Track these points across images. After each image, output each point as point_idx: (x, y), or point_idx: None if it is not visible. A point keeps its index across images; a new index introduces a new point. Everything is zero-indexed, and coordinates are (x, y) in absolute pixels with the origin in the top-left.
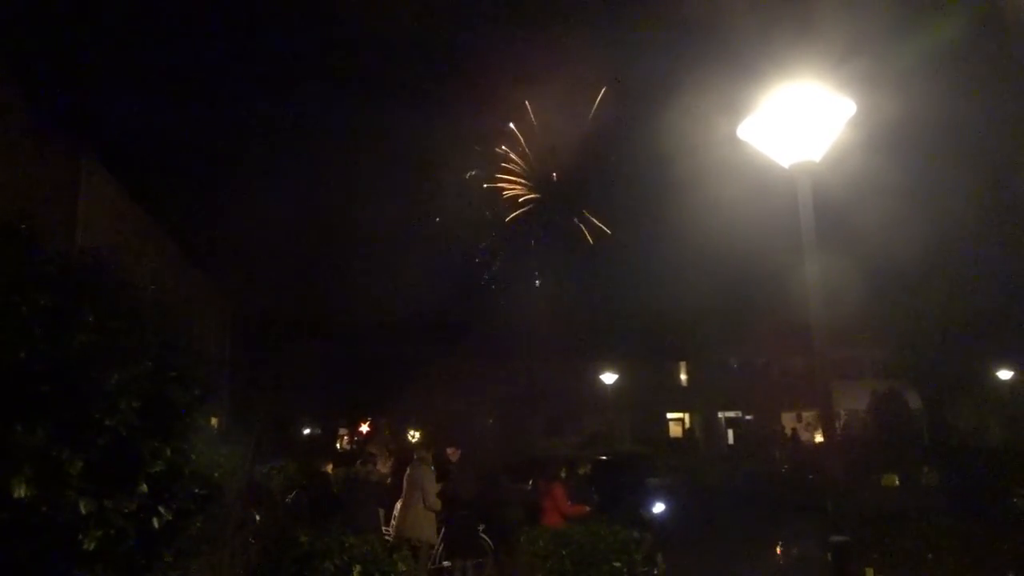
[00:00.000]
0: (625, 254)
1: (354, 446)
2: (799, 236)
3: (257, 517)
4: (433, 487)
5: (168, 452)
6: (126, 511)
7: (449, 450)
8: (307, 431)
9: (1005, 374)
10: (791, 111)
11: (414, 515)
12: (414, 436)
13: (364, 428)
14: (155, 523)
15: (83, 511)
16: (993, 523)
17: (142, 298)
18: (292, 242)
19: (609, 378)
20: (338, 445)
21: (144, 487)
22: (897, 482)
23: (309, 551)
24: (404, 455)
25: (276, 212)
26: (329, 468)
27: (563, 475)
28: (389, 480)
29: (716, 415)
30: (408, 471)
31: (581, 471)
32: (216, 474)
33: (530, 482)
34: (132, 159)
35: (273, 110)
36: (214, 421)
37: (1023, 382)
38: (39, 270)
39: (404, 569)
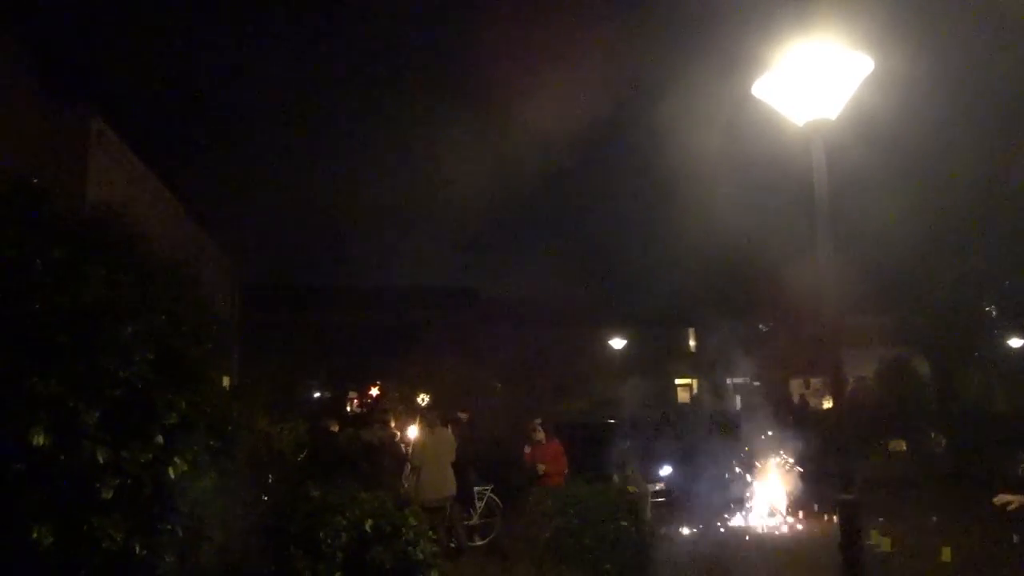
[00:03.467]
0: (634, 219)
1: (363, 409)
2: (810, 199)
3: (269, 476)
4: (450, 449)
5: (183, 404)
6: (142, 461)
7: (461, 414)
8: (316, 394)
9: (1015, 342)
10: (807, 68)
11: (432, 476)
12: (423, 400)
13: (373, 391)
14: (171, 473)
15: (100, 460)
16: (997, 488)
17: (152, 254)
18: (301, 205)
19: (618, 344)
20: (348, 408)
21: (160, 438)
22: (904, 447)
23: (321, 505)
24: (426, 418)
25: (285, 175)
26: (335, 428)
27: (541, 438)
28: (401, 442)
29: (724, 381)
30: (424, 433)
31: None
32: (229, 428)
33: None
34: (142, 120)
35: (285, 72)
36: (225, 380)
37: None
38: (51, 224)
39: (415, 523)
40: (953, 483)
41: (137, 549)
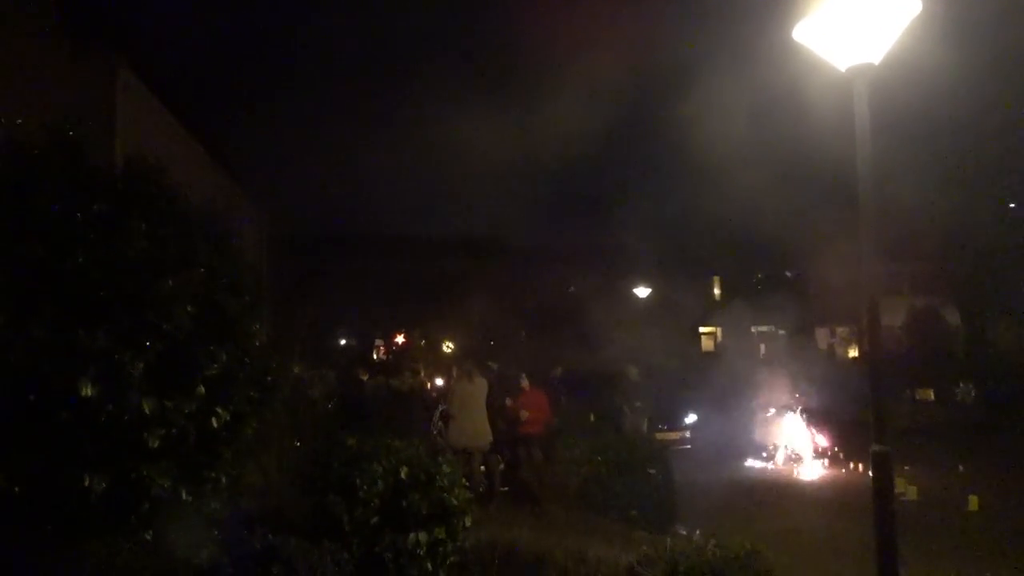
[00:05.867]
0: (663, 168)
1: (390, 356)
2: (842, 144)
3: (305, 425)
4: (484, 397)
5: (224, 357)
6: (186, 412)
7: (491, 364)
8: (343, 342)
9: None
10: (851, 11)
11: (467, 423)
12: (449, 347)
13: (400, 339)
14: (214, 423)
15: (147, 411)
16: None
17: (190, 207)
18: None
19: (642, 292)
20: (374, 355)
21: (202, 389)
22: (932, 397)
23: (357, 453)
24: (462, 367)
25: (313, 125)
26: (364, 376)
27: (527, 385)
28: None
29: (748, 329)
30: (461, 382)
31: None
32: (268, 378)
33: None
34: (168, 71)
35: (313, 20)
36: (259, 328)
37: None
38: (91, 178)
39: (449, 471)
40: (981, 433)
41: (184, 495)
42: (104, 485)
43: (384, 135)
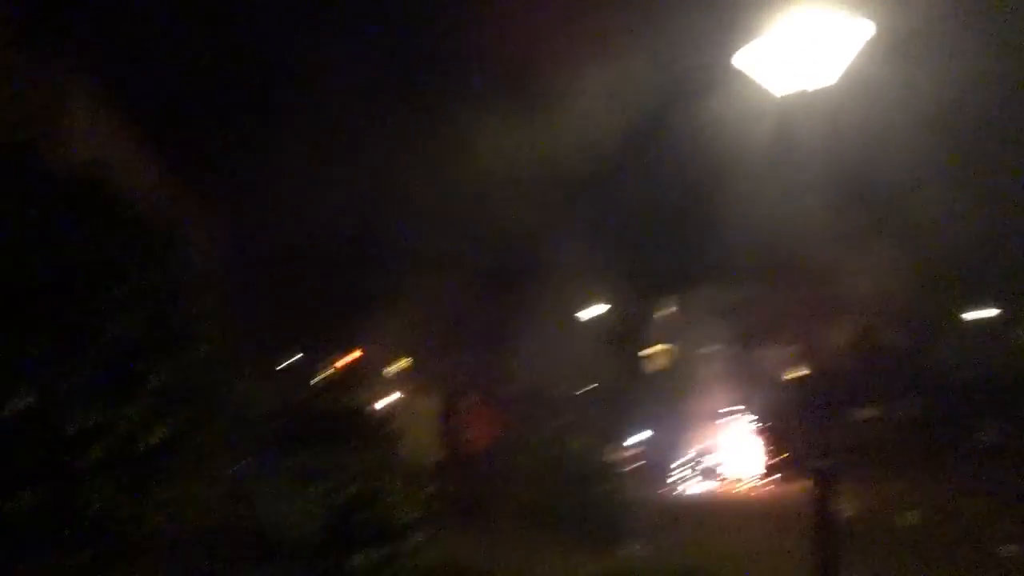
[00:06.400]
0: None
1: (344, 373)
2: (791, 171)
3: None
4: (436, 415)
5: (170, 368)
6: (128, 424)
7: (445, 383)
8: (298, 357)
9: (983, 313)
10: (796, 38)
11: (420, 440)
12: (405, 365)
13: (354, 356)
14: (158, 435)
15: (89, 423)
16: (964, 453)
17: (142, 214)
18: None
19: (595, 311)
20: (329, 372)
21: (147, 401)
22: (875, 414)
23: (305, 470)
24: (416, 385)
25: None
26: (319, 392)
27: (477, 403)
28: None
29: (699, 348)
30: (413, 399)
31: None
32: (215, 391)
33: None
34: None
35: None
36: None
37: (999, 321)
38: (42, 183)
39: (399, 489)
40: (921, 449)
41: (125, 510)
42: (36, 502)
43: (366, 145)
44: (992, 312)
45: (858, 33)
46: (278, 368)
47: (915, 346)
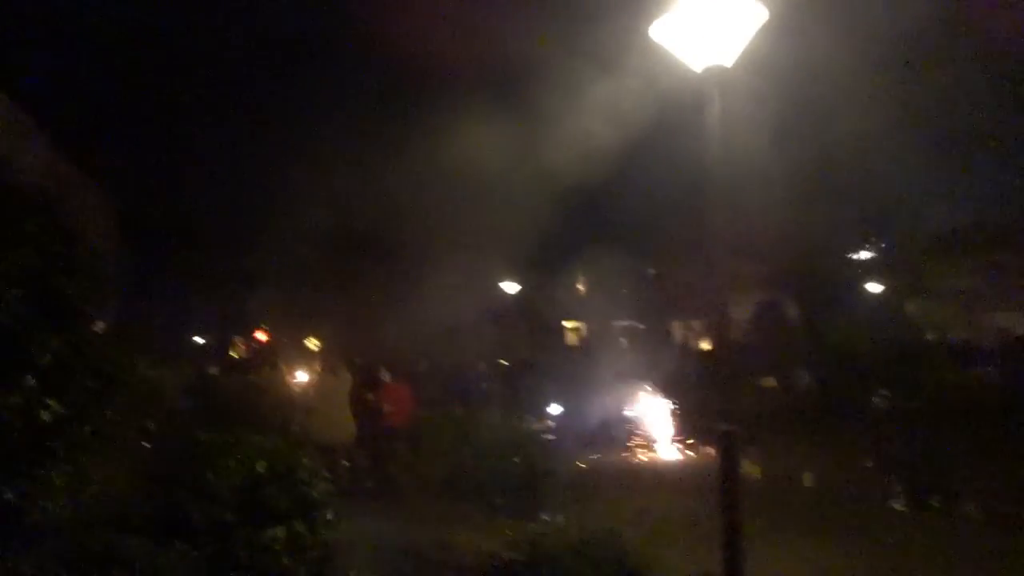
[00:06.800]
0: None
1: (251, 353)
2: (700, 148)
3: (151, 424)
4: (347, 392)
5: (58, 345)
6: (12, 404)
7: (357, 359)
8: (201, 340)
9: (875, 287)
10: (703, 12)
11: (330, 417)
12: (314, 344)
13: (261, 336)
14: (45, 417)
15: None
16: (856, 420)
17: (20, 185)
18: (189, 147)
19: (510, 287)
20: (234, 353)
21: (32, 380)
22: (774, 383)
23: (210, 448)
24: (327, 361)
25: (166, 115)
26: (222, 372)
27: (390, 379)
28: (293, 386)
29: (611, 324)
30: (324, 375)
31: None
32: (109, 370)
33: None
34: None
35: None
36: (101, 325)
37: (891, 296)
38: None
39: (308, 464)
40: (817, 416)
41: (9, 497)
42: None
43: (248, 121)
44: (882, 287)
45: (753, 15)
46: (184, 346)
47: (814, 319)
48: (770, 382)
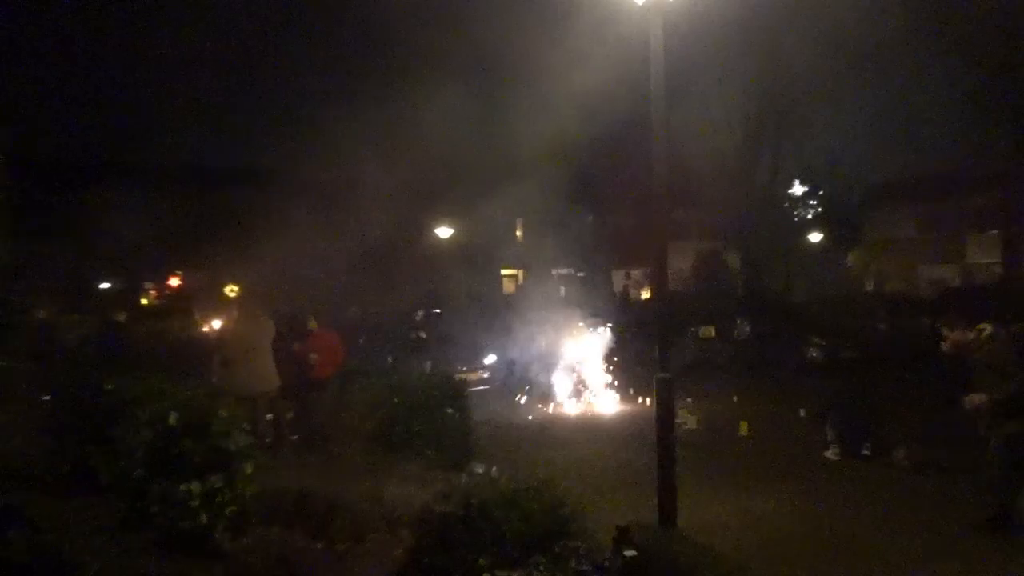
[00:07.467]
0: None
1: (163, 300)
2: (645, 85)
3: (55, 371)
4: (269, 340)
5: None
6: None
7: (281, 306)
8: (106, 285)
9: (814, 237)
10: None
11: (249, 366)
12: (232, 291)
13: (174, 282)
14: None
15: None
16: (791, 369)
17: None
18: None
19: (444, 232)
20: (145, 300)
21: None
22: (713, 334)
23: (120, 400)
24: (244, 307)
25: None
26: (129, 320)
27: (316, 326)
28: (209, 334)
29: (549, 271)
30: (240, 322)
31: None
32: (15, 318)
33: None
34: None
35: None
36: None
37: (827, 246)
38: None
39: (226, 415)
40: (754, 365)
41: None
42: None
43: (154, 53)
44: (819, 236)
45: None
46: (91, 293)
47: (752, 270)
48: (709, 332)
